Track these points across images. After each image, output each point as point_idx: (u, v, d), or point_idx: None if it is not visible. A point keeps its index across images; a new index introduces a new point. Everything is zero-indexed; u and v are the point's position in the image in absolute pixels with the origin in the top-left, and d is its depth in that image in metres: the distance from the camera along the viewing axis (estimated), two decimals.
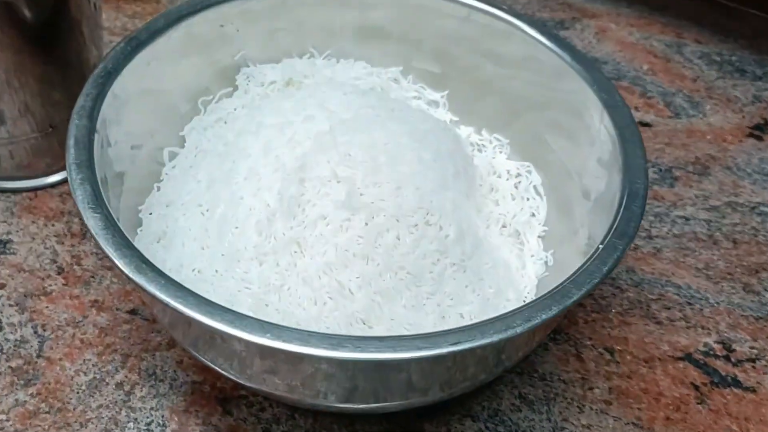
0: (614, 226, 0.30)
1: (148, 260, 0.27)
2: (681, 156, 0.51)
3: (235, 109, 0.42)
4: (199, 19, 0.39)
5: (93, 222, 0.28)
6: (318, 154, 0.36)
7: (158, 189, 0.39)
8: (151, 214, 0.38)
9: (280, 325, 0.25)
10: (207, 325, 0.25)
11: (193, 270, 0.35)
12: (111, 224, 0.28)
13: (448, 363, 0.28)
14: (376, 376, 0.29)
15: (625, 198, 0.31)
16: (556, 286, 0.28)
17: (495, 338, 0.25)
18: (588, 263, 0.29)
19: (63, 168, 0.44)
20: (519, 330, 0.26)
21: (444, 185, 0.37)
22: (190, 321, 0.25)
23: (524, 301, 0.37)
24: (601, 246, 0.29)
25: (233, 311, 0.26)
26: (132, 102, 0.36)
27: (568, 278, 0.28)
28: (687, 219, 0.47)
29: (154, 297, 0.26)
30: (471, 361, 0.27)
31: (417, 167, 0.36)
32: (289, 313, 0.33)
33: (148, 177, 0.39)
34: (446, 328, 0.33)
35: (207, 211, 0.37)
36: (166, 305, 0.26)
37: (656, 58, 0.59)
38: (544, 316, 0.26)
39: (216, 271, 0.35)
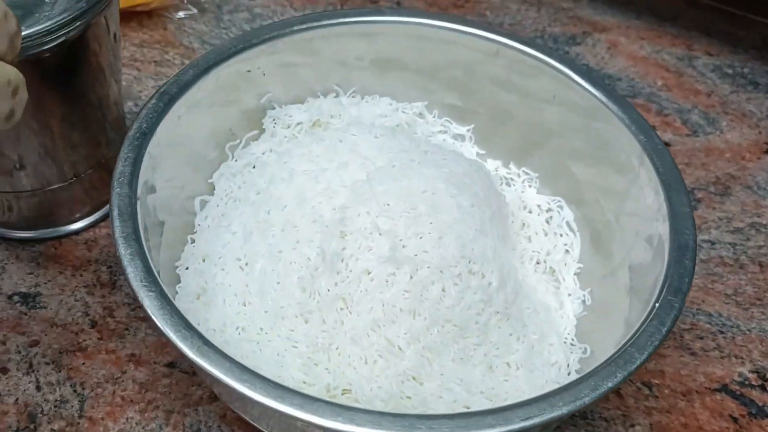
0: (667, 282, 0.30)
1: (208, 341, 0.27)
2: (702, 176, 0.51)
3: (263, 153, 0.42)
4: (227, 66, 0.38)
5: (149, 302, 0.27)
6: (357, 205, 0.36)
7: (192, 242, 0.38)
8: (187, 268, 0.37)
9: (350, 407, 0.25)
10: (278, 410, 0.25)
11: (237, 328, 0.34)
12: (167, 303, 0.28)
13: None
14: None
15: (674, 250, 0.31)
16: (617, 351, 0.28)
17: (565, 410, 0.25)
18: (646, 323, 0.29)
19: (86, 215, 0.44)
20: (587, 400, 0.26)
21: (483, 231, 0.37)
22: (257, 404, 0.25)
23: (565, 343, 0.37)
24: (657, 304, 0.29)
25: (302, 394, 0.25)
26: (164, 157, 0.36)
27: (629, 341, 0.28)
28: (713, 243, 0.47)
29: (218, 379, 0.26)
30: (535, 429, 0.27)
31: (456, 215, 0.36)
32: (340, 373, 0.33)
33: (182, 229, 0.39)
34: (495, 379, 0.34)
35: (246, 265, 0.36)
36: (232, 388, 0.25)
37: (669, 72, 0.59)
38: (610, 384, 0.26)
39: (260, 329, 0.34)
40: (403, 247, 0.34)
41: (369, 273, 0.34)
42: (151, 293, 0.28)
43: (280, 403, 0.25)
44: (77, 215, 0.44)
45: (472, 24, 0.41)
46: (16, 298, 0.41)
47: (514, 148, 0.45)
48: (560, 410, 0.25)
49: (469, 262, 0.35)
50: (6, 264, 0.42)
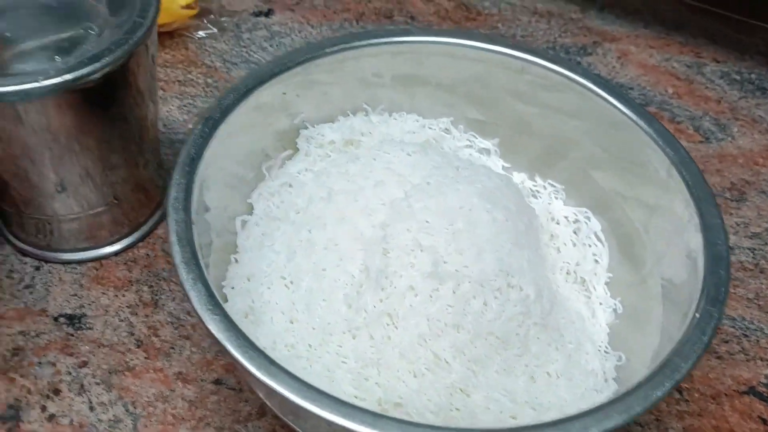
0: (704, 292, 0.31)
1: (272, 360, 0.28)
2: (717, 182, 0.53)
3: (298, 173, 0.43)
4: (265, 89, 0.39)
5: (215, 326, 0.29)
6: (397, 222, 0.37)
7: (236, 261, 0.39)
8: (233, 288, 0.38)
9: (418, 424, 0.26)
10: (351, 429, 0.26)
11: (286, 346, 0.36)
12: (232, 325, 0.29)
13: None
14: None
15: (709, 261, 0.33)
16: (663, 362, 0.29)
17: (620, 421, 0.27)
18: (687, 333, 0.30)
19: (125, 236, 0.45)
20: (640, 410, 0.27)
21: (518, 244, 0.38)
22: (328, 423, 0.26)
23: (599, 351, 0.39)
24: (697, 315, 0.31)
25: (370, 412, 0.27)
26: (210, 180, 0.37)
27: (672, 351, 0.29)
28: (731, 248, 0.48)
29: (288, 399, 0.27)
30: None
31: (493, 229, 0.37)
32: (391, 387, 0.34)
33: (224, 248, 0.40)
34: (537, 389, 0.35)
35: (291, 283, 0.37)
36: (300, 407, 0.27)
37: (679, 80, 0.61)
38: (659, 394, 0.28)
39: (309, 345, 0.35)
40: (445, 262, 0.35)
41: (413, 289, 0.35)
42: (215, 317, 0.29)
43: (351, 421, 0.26)
44: (116, 236, 0.45)
45: (498, 42, 0.43)
46: (62, 319, 0.42)
47: (538, 159, 0.46)
48: (615, 420, 0.27)
49: (508, 275, 0.36)
50: (50, 286, 0.43)
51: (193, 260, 0.31)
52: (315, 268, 0.37)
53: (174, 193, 0.33)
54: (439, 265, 0.35)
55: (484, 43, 0.43)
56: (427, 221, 0.37)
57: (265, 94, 0.40)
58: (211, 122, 0.36)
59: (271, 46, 0.61)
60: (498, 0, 0.68)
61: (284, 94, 0.41)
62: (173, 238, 0.31)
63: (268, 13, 0.64)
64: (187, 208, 0.33)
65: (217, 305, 0.29)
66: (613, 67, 0.62)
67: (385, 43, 0.43)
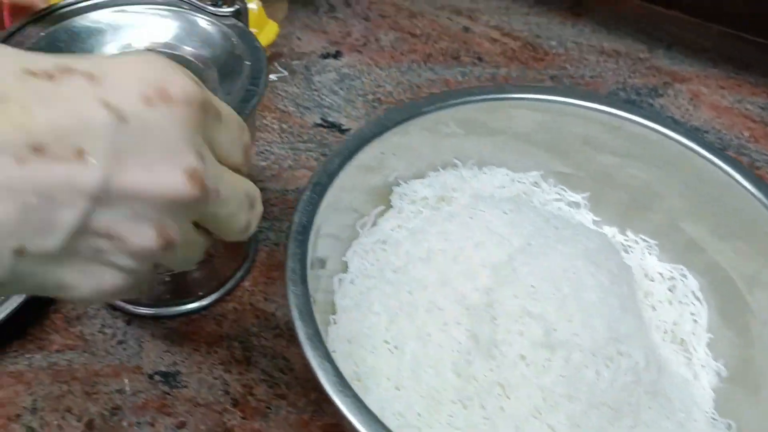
0: None
1: None
2: None
3: (392, 230, 0.43)
4: (366, 151, 0.39)
5: (346, 408, 0.28)
6: (502, 287, 0.36)
7: (335, 322, 0.39)
8: (335, 351, 0.38)
9: None
10: None
11: (395, 414, 0.35)
12: (362, 405, 0.29)
13: None
14: None
15: None
16: None
17: None
18: None
19: (213, 290, 0.45)
20: None
21: (624, 308, 0.37)
22: None
23: (708, 419, 0.38)
24: None
25: None
26: (318, 244, 0.37)
27: None
28: None
29: None
30: None
31: (600, 294, 0.37)
32: None
33: (324, 308, 0.39)
34: None
35: (395, 348, 0.37)
36: None
37: (754, 123, 0.60)
38: None
39: (419, 414, 0.35)
40: (554, 330, 0.35)
41: (524, 358, 0.35)
42: (347, 398, 0.29)
43: None
44: (205, 291, 0.45)
45: (595, 98, 0.42)
46: (157, 377, 0.42)
47: (625, 211, 0.46)
48: None
49: (617, 342, 0.36)
50: (142, 342, 0.43)
51: (317, 337, 0.31)
52: (419, 332, 0.37)
53: (290, 264, 0.33)
54: (549, 334, 0.35)
55: (579, 99, 0.42)
56: (532, 286, 0.36)
57: (366, 156, 0.40)
58: (319, 188, 0.36)
59: (341, 89, 0.61)
60: (564, 39, 0.68)
61: (382, 153, 0.41)
62: (295, 313, 0.31)
63: (336, 55, 0.64)
64: (304, 280, 0.33)
65: (346, 386, 0.29)
66: (686, 109, 0.61)
67: (479, 100, 0.42)
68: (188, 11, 0.39)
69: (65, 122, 0.20)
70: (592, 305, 0.36)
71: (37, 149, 0.20)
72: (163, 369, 0.42)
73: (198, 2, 0.40)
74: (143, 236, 0.23)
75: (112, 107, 0.21)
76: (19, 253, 0.21)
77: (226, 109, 0.26)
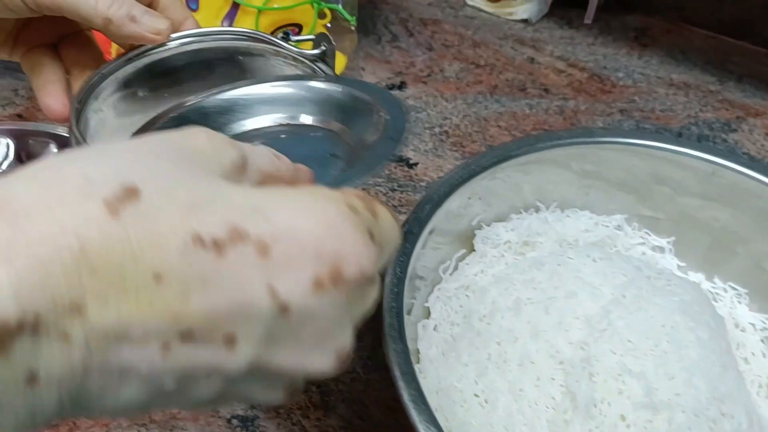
0: None
1: None
2: None
3: (475, 275, 0.42)
4: (455, 197, 0.39)
5: None
6: (599, 343, 0.35)
7: (420, 371, 0.38)
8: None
9: None
10: None
11: None
12: None
13: None
14: None
15: None
16: None
17: None
18: None
19: None
20: None
21: (724, 365, 0.36)
22: None
23: None
24: None
25: None
26: (406, 293, 0.36)
27: None
28: None
29: None
30: None
31: (700, 350, 0.35)
32: None
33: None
34: None
35: (486, 402, 0.36)
36: None
37: None
38: None
39: None
40: (656, 389, 0.34)
41: (624, 419, 0.33)
42: None
43: None
44: None
45: (688, 144, 0.41)
46: (235, 422, 0.41)
47: (709, 256, 0.44)
48: None
49: (720, 402, 0.34)
50: None
51: (421, 399, 0.30)
52: (511, 387, 0.36)
53: (388, 319, 0.32)
54: (650, 393, 0.34)
55: (672, 144, 0.41)
56: (630, 341, 0.35)
57: (455, 201, 0.39)
58: (412, 237, 0.36)
59: (407, 120, 0.60)
60: (631, 70, 0.66)
61: (469, 198, 0.40)
62: (397, 373, 0.30)
63: (401, 86, 0.63)
64: (402, 336, 0.32)
65: None
66: (761, 145, 0.59)
67: (568, 144, 0.41)
68: (298, 80, 0.37)
69: (223, 309, 0.19)
70: (692, 363, 0.35)
71: (186, 336, 0.18)
72: (241, 413, 0.41)
73: (281, 41, 0.40)
74: (273, 397, 0.22)
75: (278, 297, 0.19)
76: None
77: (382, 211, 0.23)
